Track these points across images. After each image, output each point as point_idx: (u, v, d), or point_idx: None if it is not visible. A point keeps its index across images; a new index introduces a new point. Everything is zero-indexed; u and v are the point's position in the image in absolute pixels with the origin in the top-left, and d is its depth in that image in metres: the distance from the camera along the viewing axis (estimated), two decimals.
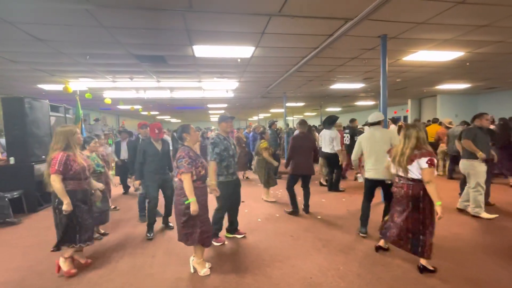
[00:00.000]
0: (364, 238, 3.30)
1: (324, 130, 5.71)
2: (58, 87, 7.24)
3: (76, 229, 2.55)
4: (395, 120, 7.47)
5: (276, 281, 2.45)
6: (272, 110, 18.10)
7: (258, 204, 4.87)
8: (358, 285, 2.37)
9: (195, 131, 2.67)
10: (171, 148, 4.54)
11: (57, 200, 2.50)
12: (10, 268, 2.79)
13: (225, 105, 14.30)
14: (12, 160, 4.71)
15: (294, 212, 4.24)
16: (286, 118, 11.29)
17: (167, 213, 3.82)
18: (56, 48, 4.54)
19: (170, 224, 3.79)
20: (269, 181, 5.09)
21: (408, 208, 2.52)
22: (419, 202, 2.46)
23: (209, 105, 13.77)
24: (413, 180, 2.47)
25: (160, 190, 3.67)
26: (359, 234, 3.37)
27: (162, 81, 7.44)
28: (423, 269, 2.53)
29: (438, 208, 2.34)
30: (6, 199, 4.19)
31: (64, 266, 2.58)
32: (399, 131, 6.08)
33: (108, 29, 3.80)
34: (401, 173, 2.54)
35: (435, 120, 8.07)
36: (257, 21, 3.69)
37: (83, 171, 2.58)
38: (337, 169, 5.61)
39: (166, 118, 22.24)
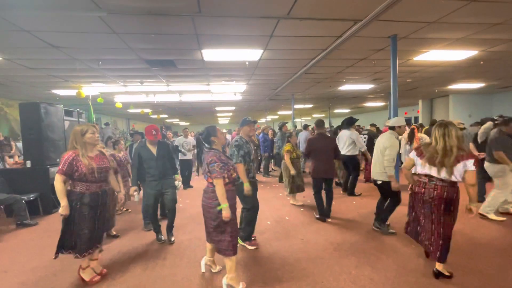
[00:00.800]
0: (375, 242, 3.23)
1: (343, 131, 5.53)
2: (71, 92, 7.46)
3: (71, 236, 2.39)
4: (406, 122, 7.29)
5: (287, 285, 2.43)
6: (280, 112, 18.08)
7: (267, 206, 4.86)
8: None
9: (222, 132, 2.53)
10: (184, 149, 4.40)
11: (74, 201, 2.39)
12: (28, 268, 2.87)
13: (233, 108, 14.37)
14: (28, 164, 4.87)
15: (320, 218, 4.03)
16: (294, 120, 11.25)
17: (169, 224, 3.43)
18: (71, 54, 4.68)
19: (172, 239, 3.42)
20: (292, 187, 4.81)
21: (439, 211, 2.39)
22: (451, 205, 2.37)
23: (217, 108, 13.87)
24: (447, 181, 2.35)
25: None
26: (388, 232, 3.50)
27: (171, 85, 7.55)
28: (438, 274, 2.46)
29: (475, 209, 2.34)
30: (23, 201, 4.32)
31: (86, 276, 2.51)
32: (411, 134, 6.03)
33: (120, 35, 3.90)
34: (434, 174, 2.40)
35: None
36: (265, 24, 3.71)
37: (90, 173, 2.39)
38: (354, 173, 5.42)
39: (175, 121, 22.52)
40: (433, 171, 2.41)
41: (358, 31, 3.75)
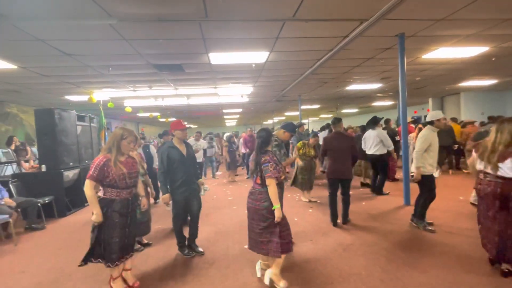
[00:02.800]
0: (387, 242, 3.20)
1: (369, 131, 5.45)
2: (83, 98, 7.67)
3: (101, 245, 2.27)
4: (415, 121, 7.20)
5: (297, 286, 2.43)
6: (287, 113, 18.06)
7: None
8: None
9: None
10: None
11: (105, 208, 2.29)
12: (44, 269, 2.97)
13: (240, 110, 14.45)
14: (44, 168, 5.03)
15: (332, 222, 3.83)
16: (302, 121, 11.22)
17: (192, 234, 3.15)
18: (82, 61, 4.83)
19: (200, 249, 3.14)
20: (301, 184, 4.99)
21: (494, 207, 2.38)
22: (508, 202, 2.33)
23: (224, 110, 13.97)
24: (503, 178, 2.30)
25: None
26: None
27: (179, 88, 7.67)
28: (507, 274, 2.37)
29: None
30: (39, 204, 4.47)
31: (116, 286, 2.39)
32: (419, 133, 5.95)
33: (129, 41, 4.00)
34: (489, 170, 2.40)
35: (454, 119, 7.76)
36: (271, 27, 3.74)
37: (121, 179, 2.28)
38: (382, 172, 5.31)
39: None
40: (488, 168, 2.41)
41: (365, 30, 3.74)
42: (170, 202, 3.04)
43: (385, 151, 5.28)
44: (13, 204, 3.99)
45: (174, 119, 17.90)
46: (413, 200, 3.93)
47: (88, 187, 2.21)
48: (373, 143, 5.27)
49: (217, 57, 4.94)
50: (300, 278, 2.54)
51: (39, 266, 3.04)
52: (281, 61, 5.48)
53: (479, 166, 2.51)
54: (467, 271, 2.53)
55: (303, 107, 12.79)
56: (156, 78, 6.38)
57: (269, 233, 2.30)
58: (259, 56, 5.01)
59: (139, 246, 3.29)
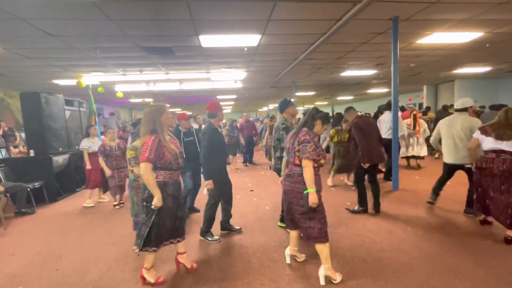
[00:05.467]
0: (367, 222, 3.28)
1: (384, 114, 5.27)
2: (72, 82, 7.46)
3: (153, 228, 2.13)
4: (402, 108, 7.10)
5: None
6: None
7: (266, 193, 4.92)
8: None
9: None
10: None
11: (146, 192, 2.14)
12: (33, 252, 2.98)
13: (234, 96, 14.29)
14: (32, 153, 4.96)
15: (364, 210, 3.67)
16: (297, 108, 11.17)
17: (229, 214, 3.17)
18: (68, 43, 4.66)
19: (237, 227, 3.22)
20: (338, 168, 5.13)
21: (509, 182, 2.65)
22: None
23: (218, 97, 13.80)
24: None
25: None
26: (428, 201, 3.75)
27: (170, 73, 7.51)
28: (510, 241, 2.68)
29: None
30: (28, 189, 4.43)
31: (150, 277, 2.24)
32: (414, 120, 5.96)
33: (115, 21, 3.85)
34: (505, 148, 2.65)
35: (445, 107, 7.82)
36: (261, 8, 3.62)
37: (175, 160, 2.18)
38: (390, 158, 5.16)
39: (177, 110, 22.51)
40: (504, 146, 2.67)
41: (358, 13, 3.65)
42: (210, 189, 2.85)
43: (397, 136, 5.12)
44: (1, 189, 3.96)
45: (168, 105, 17.61)
46: (401, 185, 3.95)
47: (147, 171, 2.05)
48: (386, 126, 5.15)
49: (207, 40, 4.80)
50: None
51: (29, 249, 3.06)
52: (274, 45, 5.37)
53: (494, 146, 2.73)
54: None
55: (298, 93, 12.70)
56: (147, 62, 6.21)
57: (308, 218, 2.18)
58: (251, 39, 4.89)
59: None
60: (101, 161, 4.30)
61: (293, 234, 2.48)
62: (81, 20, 3.78)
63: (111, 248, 2.99)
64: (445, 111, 7.68)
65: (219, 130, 2.96)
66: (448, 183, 3.72)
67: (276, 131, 3.07)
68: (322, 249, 2.18)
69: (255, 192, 4.97)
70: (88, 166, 4.57)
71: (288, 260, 2.52)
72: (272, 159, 3.24)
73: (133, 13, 3.62)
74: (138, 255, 2.22)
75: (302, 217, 2.21)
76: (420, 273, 2.29)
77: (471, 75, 10.25)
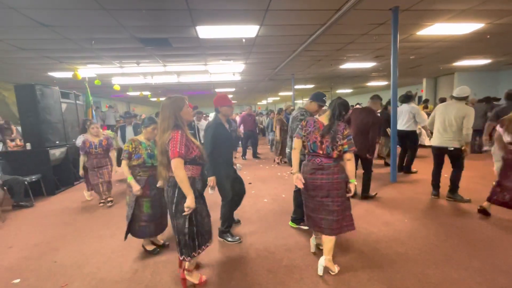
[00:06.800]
0: (361, 210, 3.29)
1: (403, 105, 5.12)
2: (68, 75, 7.37)
3: (193, 231, 1.99)
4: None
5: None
6: (281, 93, 17.84)
7: (265, 185, 4.92)
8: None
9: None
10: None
11: (177, 191, 1.94)
12: (31, 244, 2.98)
13: (233, 89, 14.18)
14: (28, 146, 4.92)
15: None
16: (295, 101, 11.11)
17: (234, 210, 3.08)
18: (61, 33, 4.57)
19: (236, 218, 3.18)
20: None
21: None
22: None
23: (217, 90, 13.70)
24: None
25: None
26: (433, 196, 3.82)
27: (168, 65, 7.42)
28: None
29: None
30: (26, 182, 4.41)
31: (193, 278, 2.14)
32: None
33: (110, 11, 3.77)
34: None
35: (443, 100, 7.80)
36: None
37: (201, 154, 2.07)
38: (412, 149, 5.19)
39: None
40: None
41: (358, 3, 3.59)
42: (215, 186, 2.70)
43: (416, 128, 5.11)
44: None
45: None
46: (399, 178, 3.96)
47: (180, 167, 1.87)
48: (405, 118, 5.04)
49: (205, 31, 4.72)
50: (285, 249, 2.61)
51: (27, 242, 3.06)
52: (272, 36, 5.29)
53: (507, 139, 2.88)
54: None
55: (296, 86, 12.61)
56: (143, 54, 6.12)
57: (345, 207, 2.18)
58: (249, 30, 4.81)
59: (154, 247, 2.73)
60: (81, 159, 4.12)
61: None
62: (74, 10, 3.69)
63: (109, 240, 2.99)
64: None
65: (225, 124, 2.77)
66: (445, 174, 3.73)
67: (293, 121, 2.95)
68: (329, 242, 2.20)
69: (254, 185, 4.98)
70: (81, 172, 4.29)
71: (312, 249, 2.52)
72: (287, 150, 3.17)
73: (128, 2, 3.54)
74: (182, 259, 2.07)
75: (339, 209, 2.14)
76: (416, 263, 2.31)
77: (471, 68, 10.18)
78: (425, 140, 6.15)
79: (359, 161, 3.81)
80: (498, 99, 6.78)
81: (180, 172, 1.87)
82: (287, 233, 2.98)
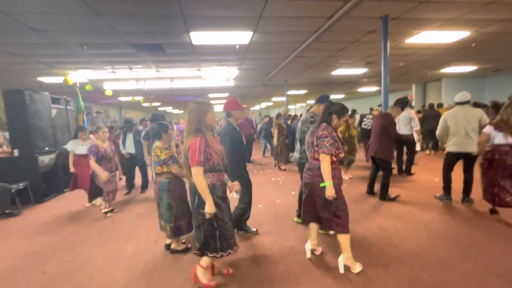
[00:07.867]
0: (364, 205, 3.31)
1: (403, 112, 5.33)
2: (59, 80, 7.24)
3: (216, 235, 2.05)
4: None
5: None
6: (274, 99, 17.96)
7: (259, 191, 4.91)
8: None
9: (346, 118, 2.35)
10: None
11: (197, 197, 2.04)
12: (19, 253, 2.89)
13: (226, 94, 14.20)
14: (16, 152, 4.78)
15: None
16: (288, 106, 11.20)
17: (248, 214, 3.13)
18: (53, 38, 4.51)
19: (253, 229, 3.14)
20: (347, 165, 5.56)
21: None
22: None
23: (210, 95, 13.70)
24: None
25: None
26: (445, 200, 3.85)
27: (161, 70, 7.38)
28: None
29: None
30: (13, 190, 4.28)
31: (203, 277, 2.14)
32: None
33: (102, 16, 3.75)
34: None
35: (440, 105, 7.99)
36: (253, 4, 3.59)
37: (221, 160, 2.08)
38: (411, 152, 5.49)
39: (168, 109, 22.22)
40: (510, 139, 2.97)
41: (349, 11, 3.67)
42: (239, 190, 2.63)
43: (411, 132, 5.38)
44: None
45: (158, 103, 17.32)
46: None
47: (200, 175, 1.94)
48: (402, 123, 5.30)
49: (198, 37, 4.73)
50: (281, 254, 2.60)
51: (14, 251, 2.96)
52: (265, 43, 5.35)
53: (507, 141, 3.00)
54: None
55: (289, 92, 12.73)
56: (136, 59, 6.08)
57: (328, 210, 2.26)
58: (242, 37, 4.85)
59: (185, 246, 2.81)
60: (93, 163, 3.72)
61: (312, 227, 2.50)
62: (66, 14, 3.65)
63: (100, 249, 2.92)
64: (431, 109, 7.88)
65: (238, 129, 2.82)
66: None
67: (303, 123, 3.03)
68: (342, 239, 2.26)
69: None
70: (72, 169, 4.27)
71: (308, 255, 2.53)
72: (295, 153, 3.24)
73: (121, 7, 3.52)
74: (195, 253, 2.18)
75: (322, 208, 2.28)
76: (410, 267, 2.33)
77: (458, 75, 10.50)
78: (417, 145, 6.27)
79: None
80: (484, 105, 7.02)
81: (199, 179, 1.95)
82: (282, 238, 2.97)
